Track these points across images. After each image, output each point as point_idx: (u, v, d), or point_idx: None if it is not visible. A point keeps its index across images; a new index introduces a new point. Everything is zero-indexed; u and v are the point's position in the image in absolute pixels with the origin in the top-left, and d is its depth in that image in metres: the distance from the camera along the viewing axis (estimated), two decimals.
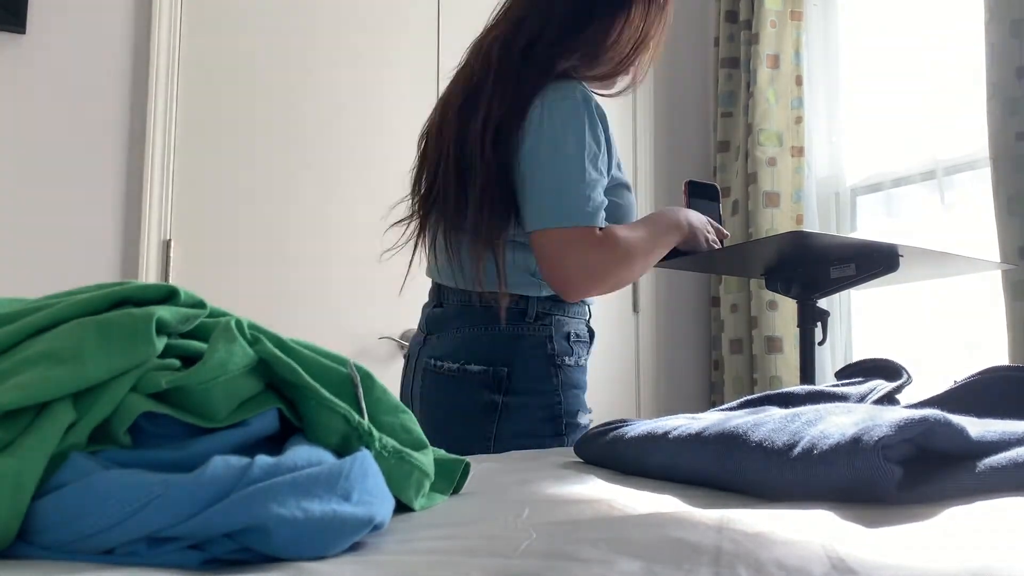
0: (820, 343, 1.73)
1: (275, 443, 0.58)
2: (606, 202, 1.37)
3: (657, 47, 1.50)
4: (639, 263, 1.42)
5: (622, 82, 1.51)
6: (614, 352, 2.63)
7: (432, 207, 1.47)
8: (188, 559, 0.47)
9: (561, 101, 1.37)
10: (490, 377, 1.40)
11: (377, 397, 0.64)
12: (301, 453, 0.52)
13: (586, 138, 1.36)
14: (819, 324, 1.74)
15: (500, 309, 1.39)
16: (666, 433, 0.74)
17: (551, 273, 1.36)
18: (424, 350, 1.48)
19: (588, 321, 1.53)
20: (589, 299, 1.51)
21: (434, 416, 1.42)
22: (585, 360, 1.49)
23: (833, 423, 0.59)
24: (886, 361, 0.92)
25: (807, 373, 1.74)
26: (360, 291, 2.31)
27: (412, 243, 1.53)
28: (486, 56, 1.44)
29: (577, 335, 1.47)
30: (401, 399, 1.46)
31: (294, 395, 0.59)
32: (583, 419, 1.46)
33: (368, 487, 0.52)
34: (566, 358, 1.45)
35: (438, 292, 1.51)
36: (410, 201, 1.55)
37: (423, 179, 1.52)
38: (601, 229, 1.36)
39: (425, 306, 1.55)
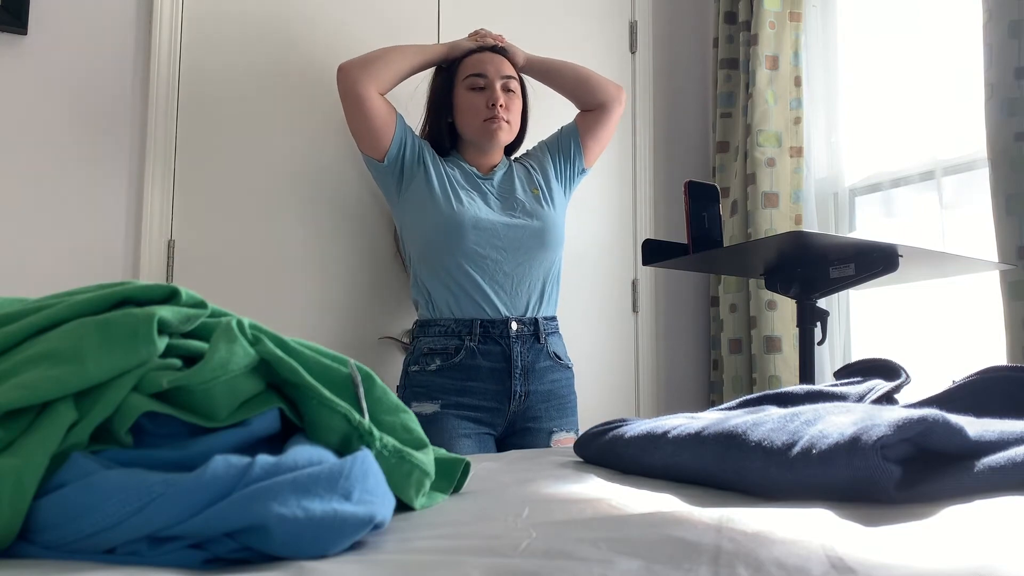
0: (819, 343, 1.74)
1: (276, 443, 0.58)
2: None
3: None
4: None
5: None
6: (613, 352, 2.63)
7: None
8: (189, 558, 0.47)
9: None
10: None
11: (377, 397, 0.64)
12: (302, 452, 0.52)
13: None
14: (818, 324, 1.74)
15: None
16: (665, 432, 0.75)
17: None
18: None
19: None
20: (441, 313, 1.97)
21: None
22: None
23: (832, 423, 0.59)
24: (885, 361, 0.92)
25: (806, 373, 1.74)
26: (360, 291, 2.32)
27: None
28: None
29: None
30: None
31: (295, 395, 0.59)
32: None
33: (369, 486, 0.52)
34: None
35: None
36: None
37: None
38: None
39: None
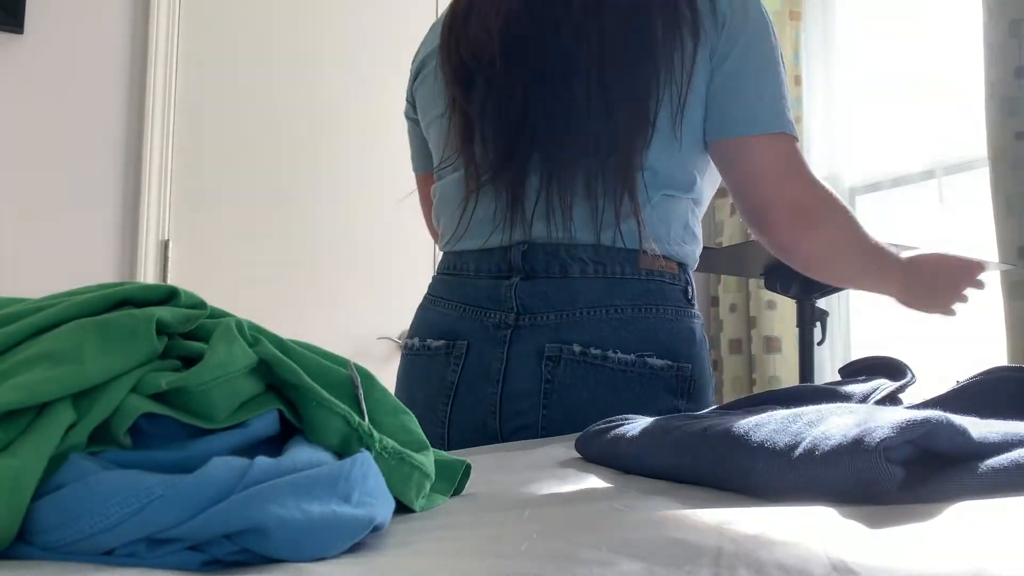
0: (819, 343, 1.74)
1: (275, 444, 0.58)
2: None
3: None
4: (855, 244, 1.21)
5: None
6: None
7: (535, 150, 1.18)
8: (188, 560, 0.47)
9: None
10: (674, 376, 1.17)
11: (377, 398, 0.64)
12: (301, 454, 0.52)
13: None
14: (818, 324, 1.74)
15: (664, 282, 1.17)
16: (667, 432, 0.74)
17: (783, 196, 1.16)
18: (535, 333, 1.17)
19: None
20: None
21: (589, 413, 1.10)
22: None
23: (835, 424, 0.59)
24: (890, 359, 0.92)
25: (806, 373, 1.74)
26: (359, 291, 2.31)
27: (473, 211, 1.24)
28: None
29: None
30: (468, 387, 1.21)
31: (294, 396, 0.59)
32: None
33: (368, 488, 0.52)
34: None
35: (525, 257, 1.20)
36: (467, 165, 1.23)
37: (489, 126, 1.21)
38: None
39: (476, 277, 1.24)
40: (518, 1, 1.19)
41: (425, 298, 1.35)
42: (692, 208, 1.23)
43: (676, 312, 1.19)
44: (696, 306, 1.24)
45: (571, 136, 1.15)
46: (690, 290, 1.22)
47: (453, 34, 1.26)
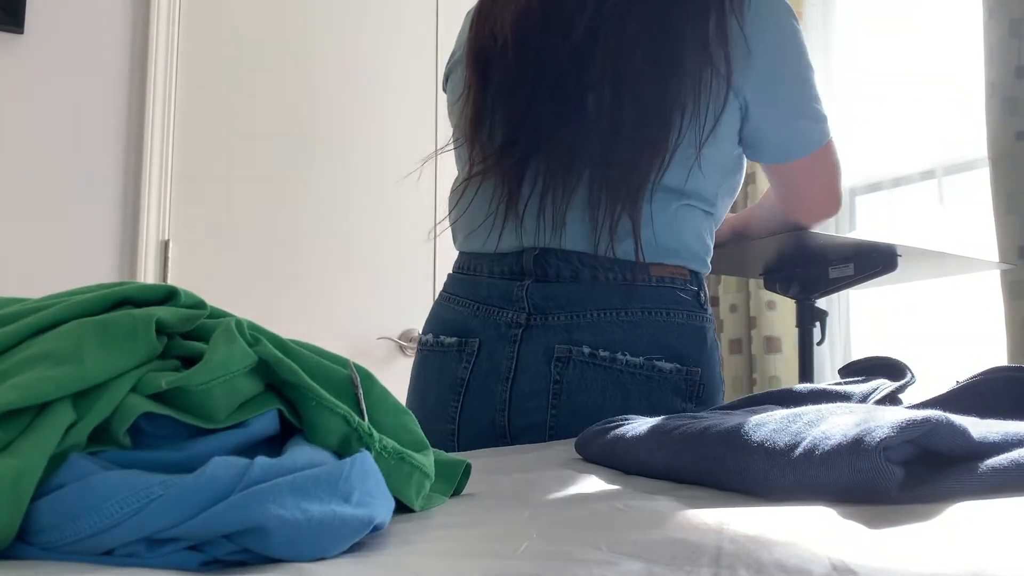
0: (819, 343, 1.74)
1: (275, 444, 0.58)
2: None
3: None
4: None
5: None
6: None
7: (536, 147, 1.16)
8: (187, 560, 0.47)
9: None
10: (683, 379, 1.17)
11: (377, 398, 0.64)
12: (301, 454, 0.52)
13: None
14: (818, 324, 1.74)
15: (674, 288, 1.16)
16: (667, 432, 0.74)
17: (831, 195, 1.34)
18: (545, 333, 1.16)
19: None
20: None
21: (597, 415, 1.08)
22: None
23: (835, 423, 0.59)
24: (890, 359, 0.92)
25: (806, 373, 1.74)
26: (359, 291, 2.31)
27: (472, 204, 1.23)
28: None
29: None
30: (479, 384, 1.21)
31: (294, 396, 0.59)
32: None
33: (368, 488, 0.52)
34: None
35: (537, 261, 1.19)
36: (471, 151, 1.22)
37: (497, 114, 1.19)
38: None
39: (490, 278, 1.24)
40: None
41: (441, 295, 1.36)
42: (707, 218, 1.24)
43: (687, 316, 1.18)
44: (709, 311, 1.23)
45: (575, 142, 1.14)
46: (702, 295, 1.22)
47: (481, 17, 1.25)
